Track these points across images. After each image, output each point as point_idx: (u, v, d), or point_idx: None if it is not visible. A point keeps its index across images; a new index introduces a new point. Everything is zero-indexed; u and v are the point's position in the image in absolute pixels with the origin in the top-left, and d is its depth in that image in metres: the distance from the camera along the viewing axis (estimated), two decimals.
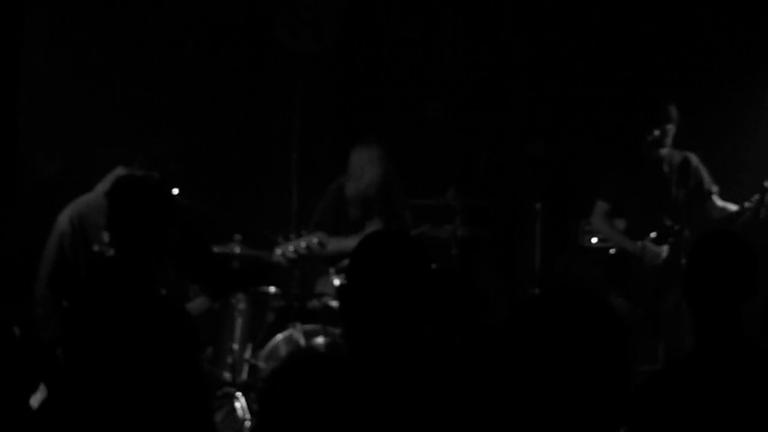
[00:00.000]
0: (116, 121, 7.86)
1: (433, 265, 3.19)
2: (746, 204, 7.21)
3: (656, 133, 7.27)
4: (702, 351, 3.41)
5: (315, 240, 6.38)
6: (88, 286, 4.30)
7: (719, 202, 7.40)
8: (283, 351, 6.97)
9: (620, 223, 7.60)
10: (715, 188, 7.42)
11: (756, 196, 7.14)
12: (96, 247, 5.59)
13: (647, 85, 8.64)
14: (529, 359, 2.36)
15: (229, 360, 6.97)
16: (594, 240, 8.22)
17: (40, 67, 7.76)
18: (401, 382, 2.96)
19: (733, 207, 7.34)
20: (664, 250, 7.28)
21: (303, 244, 6.32)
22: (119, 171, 5.83)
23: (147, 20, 8.40)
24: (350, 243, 7.22)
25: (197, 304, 6.65)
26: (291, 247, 6.32)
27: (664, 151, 7.37)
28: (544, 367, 2.34)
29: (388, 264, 3.05)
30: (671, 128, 7.31)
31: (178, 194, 6.05)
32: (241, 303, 7.05)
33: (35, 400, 5.26)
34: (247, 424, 6.63)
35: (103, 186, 5.68)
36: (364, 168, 7.52)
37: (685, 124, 7.46)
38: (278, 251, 6.23)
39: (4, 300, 6.56)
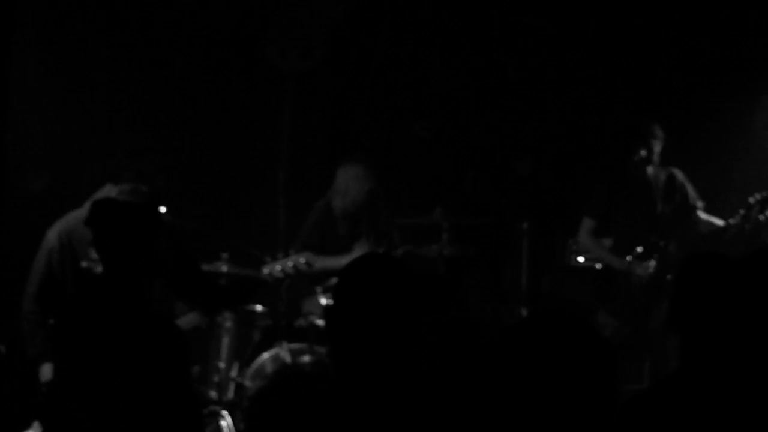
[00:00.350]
0: (105, 138, 7.86)
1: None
2: (731, 220, 7.24)
3: (642, 152, 7.30)
4: (687, 370, 3.42)
5: (302, 260, 6.38)
6: (76, 302, 4.30)
7: (704, 217, 7.44)
8: (269, 369, 6.96)
9: (607, 242, 7.62)
10: (700, 203, 7.47)
11: (741, 212, 7.17)
12: (84, 263, 5.60)
13: (634, 104, 8.67)
14: (516, 383, 2.37)
15: (216, 378, 6.96)
16: (581, 259, 8.23)
17: (28, 83, 7.75)
18: (387, 402, 2.97)
19: (718, 222, 7.38)
20: (651, 266, 7.31)
21: (290, 263, 6.33)
22: (108, 188, 5.83)
23: (136, 38, 8.40)
24: (337, 262, 7.26)
25: (184, 321, 6.65)
26: (278, 267, 6.33)
27: (651, 169, 7.41)
28: (531, 391, 2.35)
29: (374, 287, 3.06)
30: (657, 146, 7.35)
31: (165, 212, 6.05)
32: (227, 321, 7.05)
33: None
34: None
35: (91, 202, 5.67)
36: (349, 186, 7.54)
37: (672, 142, 7.49)
38: (265, 270, 6.24)
39: None
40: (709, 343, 3.39)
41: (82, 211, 5.77)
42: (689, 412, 3.28)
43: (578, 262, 8.30)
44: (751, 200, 7.12)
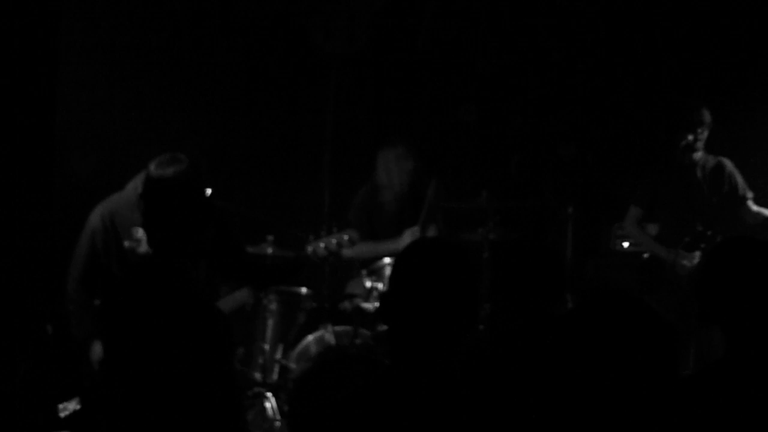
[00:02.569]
0: (151, 122, 7.91)
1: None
2: None
3: (689, 137, 7.25)
4: (731, 358, 3.39)
5: (345, 237, 6.39)
6: (123, 283, 4.32)
7: (754, 208, 7.36)
8: (313, 352, 6.99)
9: (653, 229, 7.57)
10: (749, 194, 7.39)
11: None
12: (127, 244, 5.62)
13: (681, 89, 8.61)
14: (582, 362, 2.37)
15: (260, 360, 7.00)
16: (625, 244, 8.20)
17: (76, 68, 7.80)
18: (442, 388, 2.96)
19: None
20: (696, 256, 7.26)
21: (333, 240, 6.34)
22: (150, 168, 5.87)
23: (183, 22, 8.44)
24: (383, 247, 7.28)
25: (230, 300, 6.69)
26: (321, 244, 6.34)
27: (698, 156, 7.35)
28: (598, 370, 2.35)
29: (432, 271, 3.02)
30: (703, 132, 7.28)
31: (210, 194, 6.08)
32: (272, 304, 7.08)
33: (68, 407, 5.30)
34: (277, 424, 6.66)
35: (133, 184, 5.71)
36: (391, 168, 7.56)
37: (722, 131, 7.43)
38: (309, 248, 6.26)
39: (39, 298, 6.60)
40: (753, 332, 3.35)
41: (124, 193, 5.80)
42: (733, 399, 3.26)
43: (622, 247, 8.27)
44: None
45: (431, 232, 7.50)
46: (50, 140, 6.60)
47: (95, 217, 5.82)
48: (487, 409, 2.93)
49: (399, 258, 3.12)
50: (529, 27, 9.10)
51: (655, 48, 8.83)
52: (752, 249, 3.44)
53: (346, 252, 7.31)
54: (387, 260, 7.15)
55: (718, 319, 3.43)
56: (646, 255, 7.58)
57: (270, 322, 7.09)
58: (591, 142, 9.14)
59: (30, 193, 6.89)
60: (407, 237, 7.28)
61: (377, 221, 7.60)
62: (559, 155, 9.23)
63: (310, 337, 7.08)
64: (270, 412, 6.74)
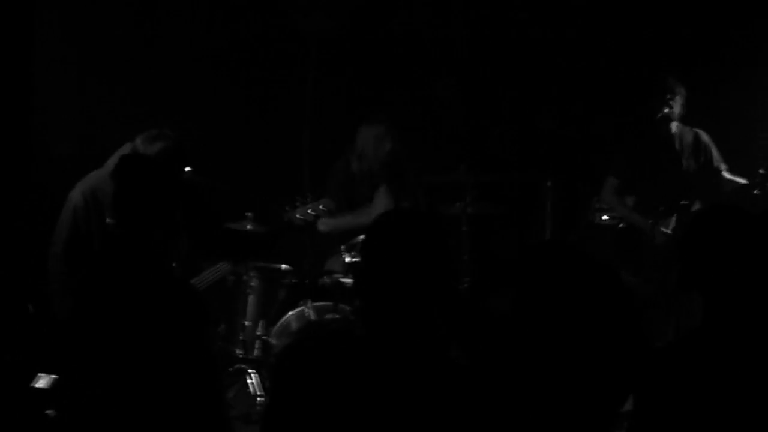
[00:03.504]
0: (128, 102, 7.89)
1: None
2: (757, 175, 7.20)
3: (665, 110, 7.28)
4: (710, 324, 3.42)
5: (320, 206, 6.40)
6: (99, 263, 4.33)
7: (728, 176, 7.42)
8: (294, 327, 7.03)
9: (630, 201, 7.61)
10: (723, 165, 7.44)
11: (761, 171, 7.14)
12: (109, 220, 5.62)
13: (659, 61, 8.62)
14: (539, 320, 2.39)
15: (242, 336, 7.03)
16: (605, 217, 8.22)
17: (53, 49, 7.78)
18: (416, 358, 2.98)
19: (742, 180, 7.35)
20: (672, 221, 7.32)
21: (309, 209, 6.34)
22: (126, 147, 5.86)
23: (159, 1, 8.41)
24: (359, 219, 7.29)
25: (210, 273, 6.69)
26: (298, 214, 6.35)
27: (675, 127, 7.40)
28: (554, 323, 2.37)
29: (402, 241, 3.03)
30: (678, 103, 7.32)
31: (190, 172, 6.08)
32: (253, 280, 7.10)
33: (42, 381, 5.31)
34: (260, 400, 6.69)
35: (113, 160, 5.71)
36: (370, 145, 7.56)
37: (697, 103, 7.46)
38: (285, 218, 6.27)
39: (19, 277, 6.61)
40: (731, 298, 3.38)
41: (104, 170, 5.80)
42: (712, 365, 3.29)
43: (602, 220, 8.29)
44: None
45: (405, 204, 7.49)
46: (27, 122, 6.60)
47: (76, 194, 5.81)
48: (460, 378, 2.96)
49: (369, 231, 3.13)
50: (508, 1, 9.10)
51: (633, 20, 8.84)
52: (734, 216, 3.48)
53: (322, 227, 7.35)
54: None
55: (699, 284, 3.46)
56: (621, 225, 7.62)
57: (251, 299, 7.11)
58: (570, 115, 9.16)
59: (8, 175, 6.90)
60: (376, 205, 7.29)
61: (352, 194, 7.60)
62: (539, 128, 9.25)
63: (290, 313, 7.11)
64: (252, 388, 6.77)
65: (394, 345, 2.98)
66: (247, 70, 8.89)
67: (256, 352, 7.03)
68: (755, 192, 7.11)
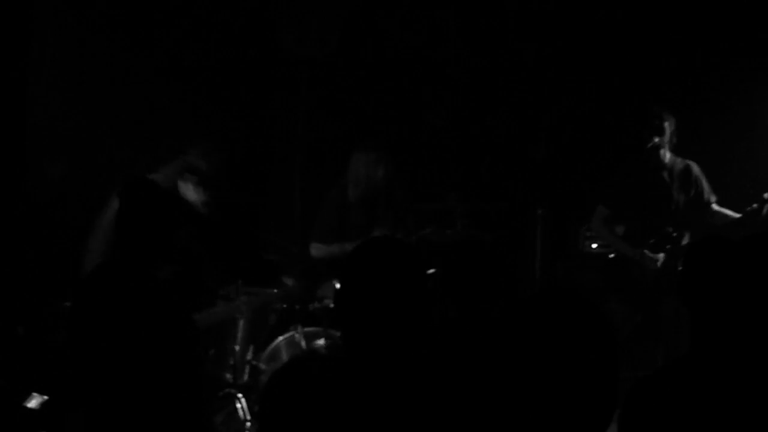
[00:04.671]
0: (121, 125, 7.91)
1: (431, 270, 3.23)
2: (748, 209, 7.23)
3: (655, 140, 7.31)
4: (696, 353, 3.44)
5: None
6: (90, 286, 4.34)
7: (718, 209, 7.44)
8: (284, 353, 7.03)
9: (619, 230, 7.63)
10: (713, 198, 7.46)
11: (755, 205, 7.17)
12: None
13: (650, 92, 8.67)
14: (520, 358, 2.42)
15: (231, 361, 7.02)
16: (594, 246, 8.25)
17: (46, 70, 7.81)
18: (398, 383, 3.01)
19: (733, 214, 7.38)
20: (661, 257, 7.33)
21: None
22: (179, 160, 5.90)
23: (153, 25, 8.44)
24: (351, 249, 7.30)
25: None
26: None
27: (666, 158, 7.41)
28: (534, 366, 2.40)
29: (381, 270, 3.08)
30: (668, 131, 7.34)
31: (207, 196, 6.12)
32: (243, 305, 7.11)
33: (33, 402, 5.31)
34: (248, 425, 6.68)
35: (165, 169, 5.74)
36: (362, 173, 7.58)
37: (687, 135, 7.49)
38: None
39: (10, 300, 6.61)
40: (718, 327, 3.41)
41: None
42: (698, 394, 3.31)
43: (592, 249, 8.31)
44: (766, 196, 7.13)
45: (399, 234, 7.53)
46: (21, 143, 6.60)
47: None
48: (436, 401, 2.99)
49: (348, 259, 3.18)
50: (500, 29, 9.15)
51: (625, 50, 8.89)
52: (725, 247, 3.54)
53: (314, 252, 7.37)
54: None
55: (691, 310, 3.51)
56: (611, 255, 7.64)
57: (241, 324, 7.10)
58: (561, 145, 9.19)
59: (1, 196, 6.91)
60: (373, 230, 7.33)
61: (347, 225, 7.63)
62: (529, 157, 9.27)
63: (280, 338, 7.11)
64: (241, 412, 6.77)
65: (375, 369, 3.01)
66: (239, 96, 8.91)
67: (245, 377, 7.03)
68: (764, 213, 7.13)
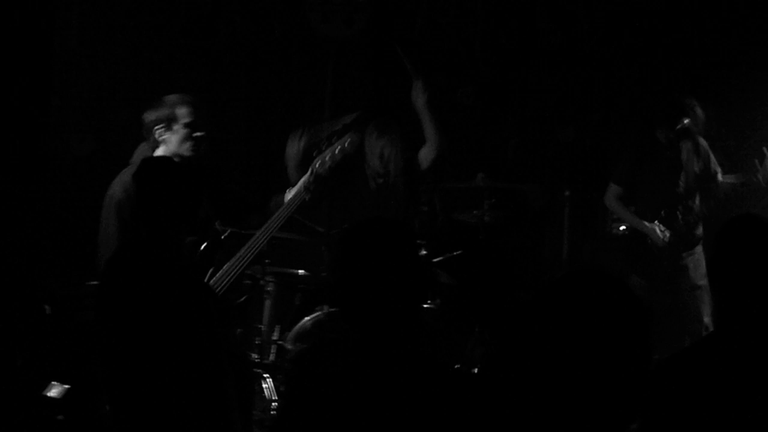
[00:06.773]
0: (146, 103, 7.91)
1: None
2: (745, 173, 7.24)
3: (686, 121, 7.27)
4: (722, 334, 3.41)
5: (346, 143, 6.18)
6: (115, 265, 4.34)
7: (720, 179, 7.44)
8: (310, 333, 7.03)
9: (631, 209, 7.63)
10: (719, 169, 7.46)
11: (757, 161, 7.16)
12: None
13: (677, 75, 8.63)
14: (551, 340, 2.40)
15: (257, 341, 7.03)
16: (622, 228, 8.22)
17: (72, 48, 7.82)
18: (398, 363, 3.00)
19: (734, 179, 7.38)
20: (669, 233, 7.35)
21: (337, 150, 6.13)
22: (142, 147, 5.86)
23: (181, 4, 8.44)
24: None
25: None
26: (327, 157, 6.14)
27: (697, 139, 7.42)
28: (566, 348, 2.38)
29: (372, 251, 3.09)
30: (699, 117, 7.33)
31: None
32: (269, 285, 7.11)
33: (54, 391, 5.32)
34: (274, 404, 6.69)
35: (137, 155, 5.72)
36: (373, 149, 7.52)
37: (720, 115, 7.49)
38: (316, 164, 6.10)
39: (37, 278, 6.63)
40: (747, 308, 3.37)
41: (133, 167, 5.77)
42: (724, 372, 3.28)
43: (619, 230, 8.28)
44: (765, 150, 7.14)
45: (413, 209, 7.46)
46: (46, 121, 6.61)
47: (116, 190, 5.62)
48: (445, 384, 2.98)
49: (340, 240, 3.18)
50: (528, 9, 9.11)
51: (654, 31, 8.84)
52: (760, 227, 3.49)
53: None
54: None
55: (720, 288, 3.47)
56: (622, 227, 7.65)
57: (267, 304, 7.12)
58: (589, 126, 9.16)
59: (27, 175, 6.93)
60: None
61: (357, 197, 7.57)
62: (557, 139, 9.25)
63: (306, 319, 7.11)
64: (267, 392, 6.78)
65: (377, 348, 3.01)
66: (266, 76, 8.90)
67: (271, 357, 7.04)
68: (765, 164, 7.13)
